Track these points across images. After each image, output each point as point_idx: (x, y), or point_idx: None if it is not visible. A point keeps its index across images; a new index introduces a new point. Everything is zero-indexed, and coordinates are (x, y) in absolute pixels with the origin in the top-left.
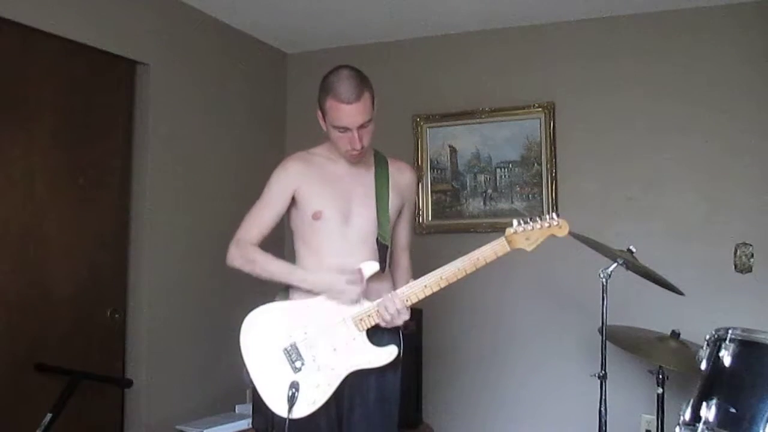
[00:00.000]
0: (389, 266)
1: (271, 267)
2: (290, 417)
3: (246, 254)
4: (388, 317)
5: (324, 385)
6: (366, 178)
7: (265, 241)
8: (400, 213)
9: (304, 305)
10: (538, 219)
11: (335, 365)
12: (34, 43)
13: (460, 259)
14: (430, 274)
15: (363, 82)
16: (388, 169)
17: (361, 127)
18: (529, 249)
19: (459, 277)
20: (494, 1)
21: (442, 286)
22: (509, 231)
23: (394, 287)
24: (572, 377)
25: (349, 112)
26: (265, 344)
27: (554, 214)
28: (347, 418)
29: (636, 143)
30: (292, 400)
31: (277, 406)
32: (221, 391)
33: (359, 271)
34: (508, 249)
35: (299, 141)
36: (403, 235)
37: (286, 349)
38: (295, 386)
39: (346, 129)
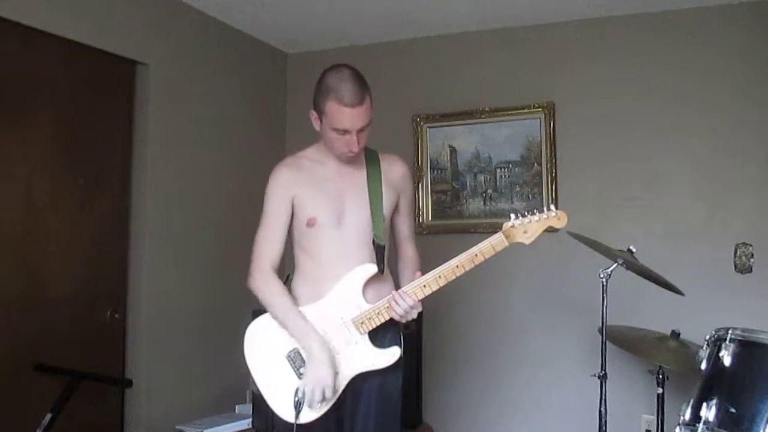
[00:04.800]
0: (388, 266)
1: (284, 314)
2: (297, 422)
3: (266, 289)
4: (401, 311)
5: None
6: (358, 177)
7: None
8: (396, 206)
9: (303, 311)
10: (535, 212)
11: (339, 369)
12: (34, 43)
13: (458, 256)
14: (428, 273)
15: (364, 84)
16: (379, 165)
17: (360, 130)
18: (527, 242)
19: (458, 274)
20: (494, 1)
21: (441, 284)
22: (506, 225)
23: (401, 278)
24: (572, 377)
25: (352, 115)
26: (268, 352)
27: (552, 206)
28: (350, 421)
29: (636, 143)
30: (298, 406)
31: (284, 412)
32: (221, 391)
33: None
34: (506, 243)
35: (299, 141)
36: (404, 226)
37: (289, 356)
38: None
39: (345, 132)
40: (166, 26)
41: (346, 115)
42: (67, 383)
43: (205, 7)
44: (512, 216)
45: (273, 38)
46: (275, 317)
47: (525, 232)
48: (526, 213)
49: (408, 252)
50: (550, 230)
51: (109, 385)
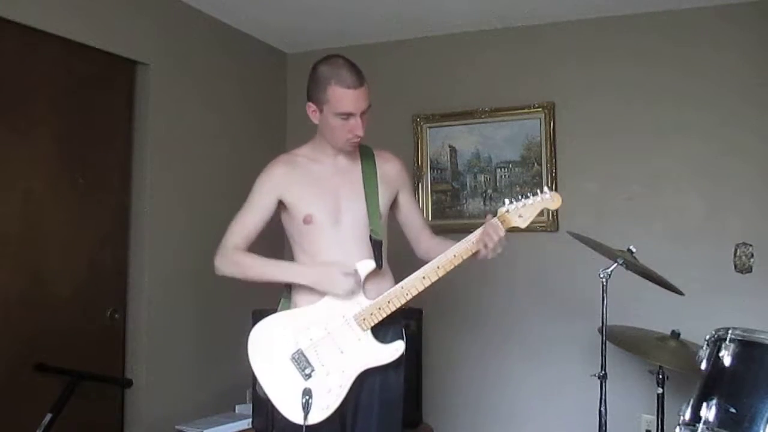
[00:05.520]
0: (387, 261)
1: (262, 267)
2: (306, 424)
3: (233, 259)
4: (492, 244)
5: (336, 389)
6: (353, 174)
7: (254, 247)
8: (395, 201)
9: (305, 311)
10: (529, 195)
11: (345, 367)
12: (34, 43)
13: (454, 246)
14: (425, 266)
15: (359, 69)
16: (374, 161)
17: (363, 113)
18: (523, 226)
19: (456, 263)
20: (494, 1)
21: (440, 275)
22: (501, 210)
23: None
24: (572, 377)
25: (354, 97)
26: (272, 355)
27: (546, 188)
28: (352, 418)
29: (636, 143)
30: (306, 408)
31: (293, 414)
32: (221, 391)
33: (355, 271)
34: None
35: (299, 140)
36: (415, 219)
37: (293, 357)
38: (308, 393)
39: (349, 115)
40: (166, 26)
41: (350, 98)
42: (67, 383)
43: (205, 7)
44: (506, 201)
45: (273, 38)
46: (252, 277)
47: (520, 216)
48: (520, 197)
49: (432, 237)
50: (548, 229)
51: (109, 385)
